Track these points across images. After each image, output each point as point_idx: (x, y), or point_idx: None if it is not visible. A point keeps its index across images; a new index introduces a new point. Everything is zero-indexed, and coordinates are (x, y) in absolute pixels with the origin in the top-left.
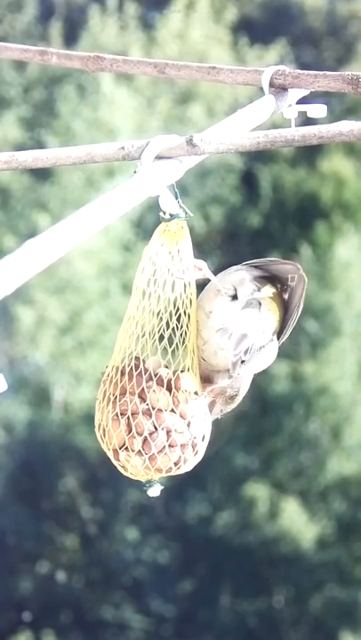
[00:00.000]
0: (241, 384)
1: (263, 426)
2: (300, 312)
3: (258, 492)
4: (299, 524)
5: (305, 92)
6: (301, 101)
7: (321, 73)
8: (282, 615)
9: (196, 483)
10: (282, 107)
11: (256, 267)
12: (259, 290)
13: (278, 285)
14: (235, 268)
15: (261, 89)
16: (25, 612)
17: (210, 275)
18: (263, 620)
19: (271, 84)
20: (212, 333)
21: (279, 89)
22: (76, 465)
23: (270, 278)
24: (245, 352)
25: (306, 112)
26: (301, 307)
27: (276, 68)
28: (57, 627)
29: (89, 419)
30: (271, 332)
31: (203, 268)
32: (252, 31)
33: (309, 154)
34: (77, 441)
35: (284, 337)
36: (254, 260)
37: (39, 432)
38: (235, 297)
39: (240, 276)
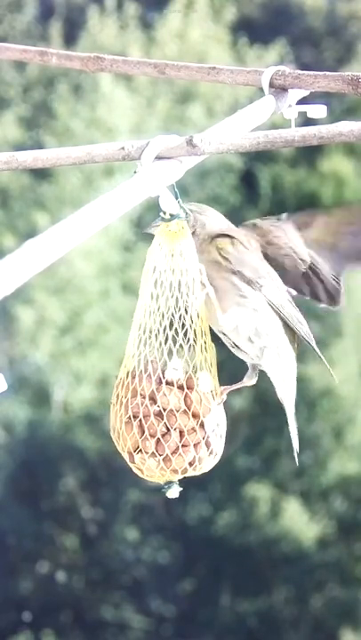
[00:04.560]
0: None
1: (265, 426)
2: None
3: (259, 492)
4: (300, 523)
5: (305, 93)
6: (301, 102)
7: (321, 73)
8: (282, 615)
9: (197, 483)
10: (282, 107)
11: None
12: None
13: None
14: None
15: (261, 89)
16: (25, 612)
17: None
18: (263, 620)
19: (271, 85)
20: None
21: (279, 89)
22: (76, 465)
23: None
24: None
25: (306, 112)
26: None
27: (276, 69)
28: (57, 627)
29: (89, 419)
30: None
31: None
32: (252, 31)
33: (309, 154)
34: (77, 441)
35: None
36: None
37: (39, 432)
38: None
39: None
